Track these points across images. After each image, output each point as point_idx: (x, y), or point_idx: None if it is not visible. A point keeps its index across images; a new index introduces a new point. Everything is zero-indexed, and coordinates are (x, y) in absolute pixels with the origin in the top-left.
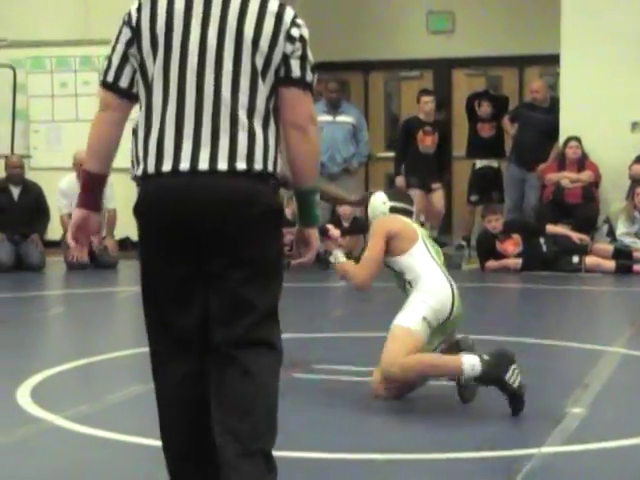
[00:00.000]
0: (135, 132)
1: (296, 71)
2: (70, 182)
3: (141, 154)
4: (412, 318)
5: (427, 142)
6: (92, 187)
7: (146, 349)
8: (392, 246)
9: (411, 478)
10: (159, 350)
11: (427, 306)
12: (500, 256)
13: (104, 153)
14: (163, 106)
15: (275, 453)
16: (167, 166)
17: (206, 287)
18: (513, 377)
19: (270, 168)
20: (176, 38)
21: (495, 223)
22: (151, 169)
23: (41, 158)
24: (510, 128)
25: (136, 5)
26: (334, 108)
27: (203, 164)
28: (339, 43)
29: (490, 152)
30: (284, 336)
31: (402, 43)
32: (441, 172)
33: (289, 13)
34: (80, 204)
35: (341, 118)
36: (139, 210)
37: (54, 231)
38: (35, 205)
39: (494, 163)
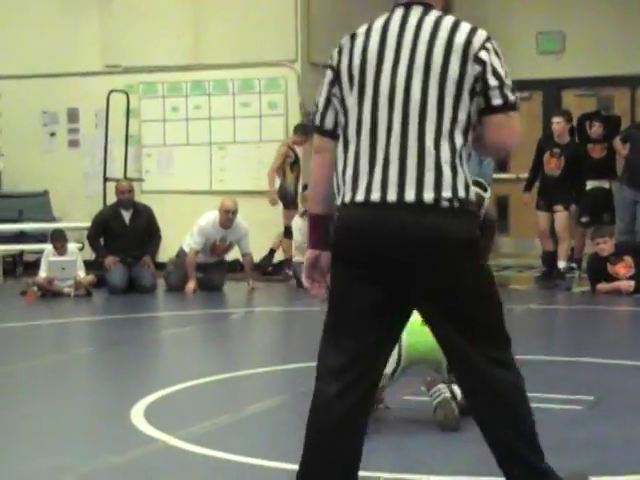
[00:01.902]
0: (336, 165)
1: (496, 99)
2: (212, 225)
3: (341, 186)
4: None
5: (551, 165)
6: (319, 228)
7: (257, 370)
8: None
9: None
10: (324, 370)
11: None
12: (612, 278)
13: (326, 195)
14: (357, 141)
15: (391, 475)
16: (360, 196)
17: (399, 316)
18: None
19: (461, 194)
20: (369, 75)
21: (603, 245)
22: (347, 199)
23: (153, 181)
24: (622, 149)
25: (337, 48)
26: None
27: (391, 195)
28: None
29: (601, 173)
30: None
31: (511, 64)
32: (566, 195)
33: (479, 37)
34: (311, 245)
35: None
36: (334, 235)
37: (165, 252)
38: (146, 227)
39: (605, 184)
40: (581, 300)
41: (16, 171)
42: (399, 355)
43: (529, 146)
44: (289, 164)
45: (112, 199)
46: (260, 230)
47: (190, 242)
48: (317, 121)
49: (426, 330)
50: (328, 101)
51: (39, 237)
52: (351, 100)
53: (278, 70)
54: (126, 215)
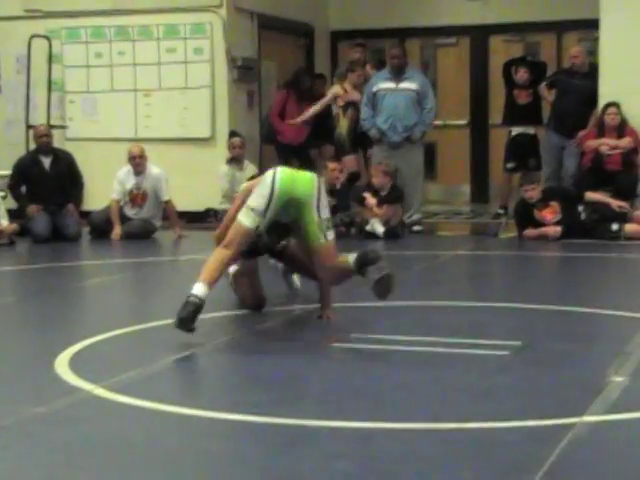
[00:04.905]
0: None
1: None
2: (127, 173)
3: None
4: (242, 211)
5: None
6: None
7: None
8: None
9: (453, 448)
10: None
11: (253, 196)
12: (538, 224)
13: None
14: None
15: (318, 422)
16: None
17: None
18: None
19: None
20: None
21: (532, 192)
22: None
23: (77, 129)
24: (548, 95)
25: None
26: (397, 74)
27: None
28: (374, 10)
29: (527, 119)
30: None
31: (438, 9)
32: None
33: None
34: None
35: (404, 85)
36: None
37: (91, 200)
38: (67, 173)
39: (530, 130)
40: (508, 246)
41: None
42: (272, 189)
43: (457, 92)
44: (341, 108)
45: (34, 146)
46: (186, 177)
47: (112, 193)
48: None
49: (297, 176)
50: None
51: None
52: None
53: (203, 15)
54: (46, 161)
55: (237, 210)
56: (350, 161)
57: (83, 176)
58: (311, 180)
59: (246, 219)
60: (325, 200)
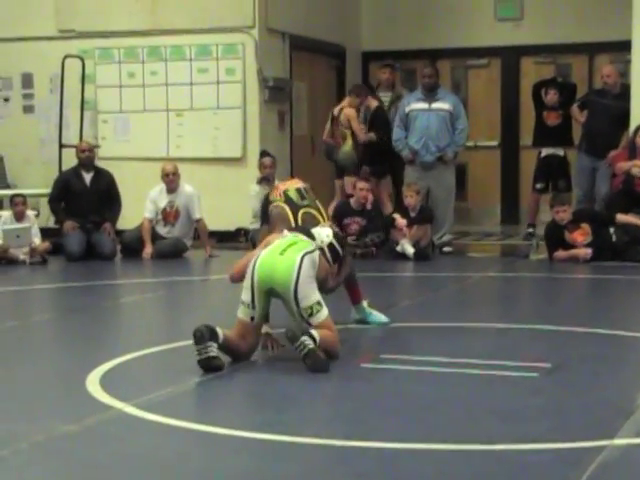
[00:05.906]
0: None
1: None
2: (159, 192)
3: None
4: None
5: None
6: None
7: None
8: None
9: (482, 469)
10: None
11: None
12: (569, 246)
13: None
14: None
15: (348, 443)
16: None
17: None
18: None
19: None
20: None
21: (563, 214)
22: None
23: (109, 148)
24: (579, 116)
25: None
26: (430, 94)
27: None
28: (406, 31)
29: (556, 140)
30: (350, 326)
31: (470, 31)
32: None
33: None
34: None
35: (437, 105)
36: None
37: (122, 219)
38: (107, 191)
39: (560, 151)
40: (539, 268)
41: None
42: (252, 281)
43: (488, 114)
44: (348, 128)
45: (68, 165)
46: (217, 196)
47: (144, 211)
48: None
49: (277, 262)
50: None
51: None
52: None
53: (235, 36)
54: (87, 177)
55: (253, 256)
56: (350, 181)
57: (120, 196)
58: (291, 265)
59: (240, 312)
60: (308, 282)
